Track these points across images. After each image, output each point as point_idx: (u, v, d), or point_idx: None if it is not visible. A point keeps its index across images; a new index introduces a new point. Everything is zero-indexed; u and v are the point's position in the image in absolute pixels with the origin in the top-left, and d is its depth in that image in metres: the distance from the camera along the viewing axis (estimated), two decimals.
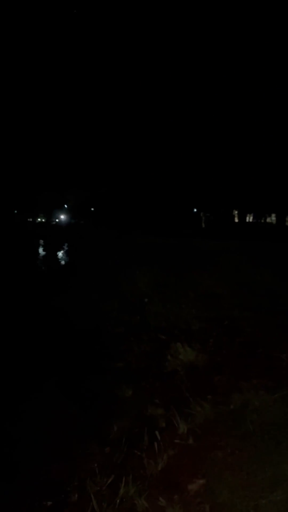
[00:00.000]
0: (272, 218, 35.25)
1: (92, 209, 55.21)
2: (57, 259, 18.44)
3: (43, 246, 25.92)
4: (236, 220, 34.19)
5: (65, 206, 64.70)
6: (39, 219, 68.67)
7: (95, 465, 2.82)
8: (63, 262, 17.49)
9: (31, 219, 65.40)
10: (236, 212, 34.25)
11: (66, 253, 21.01)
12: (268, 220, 36.61)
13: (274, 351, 4.02)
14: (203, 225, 36.73)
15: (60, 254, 20.57)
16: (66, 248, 23.28)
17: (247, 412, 2.95)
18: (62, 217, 68.26)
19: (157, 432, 2.96)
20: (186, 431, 2.99)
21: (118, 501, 2.37)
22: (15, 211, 62.00)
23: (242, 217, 30.58)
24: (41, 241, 28.46)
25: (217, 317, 5.90)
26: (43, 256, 20.72)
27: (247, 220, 34.85)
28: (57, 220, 68.20)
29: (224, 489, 2.24)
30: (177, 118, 20.77)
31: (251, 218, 37.11)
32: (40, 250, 23.33)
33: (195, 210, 37.56)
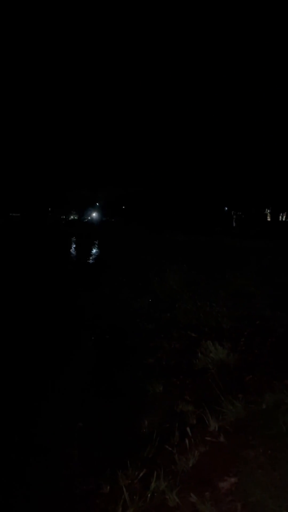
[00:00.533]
0: None
1: (124, 207, 55.53)
2: (89, 256, 18.68)
3: (76, 243, 26.32)
4: (269, 219, 33.51)
5: (97, 204, 65.38)
6: (71, 217, 69.72)
7: (127, 458, 2.85)
8: (94, 259, 17.70)
9: (64, 217, 66.50)
10: (268, 211, 33.58)
11: (98, 250, 21.26)
12: None
13: None
14: (234, 224, 36.25)
15: (93, 251, 20.84)
16: (97, 245, 23.55)
17: (280, 413, 2.91)
18: (94, 214, 69.01)
19: (188, 429, 2.97)
20: (217, 428, 2.98)
21: (149, 495, 2.40)
22: (49, 209, 63.23)
23: (275, 216, 29.95)
24: (74, 238, 28.91)
25: (248, 316, 5.83)
26: (76, 253, 21.04)
27: (280, 219, 34.11)
28: (89, 217, 69.01)
29: (256, 488, 2.22)
30: (210, 116, 20.61)
31: (284, 217, 36.30)
32: (73, 247, 23.70)
33: (226, 208, 37.11)
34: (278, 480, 2.24)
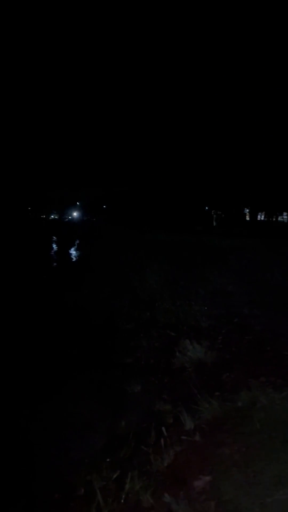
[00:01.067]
0: (284, 217, 34.91)
1: (105, 206, 55.33)
2: (69, 256, 18.54)
3: (56, 243, 26.07)
4: (248, 218, 33.93)
5: (78, 203, 64.97)
6: (52, 216, 69.08)
7: (102, 460, 2.83)
8: (75, 259, 17.57)
9: (44, 216, 65.83)
10: (247, 210, 34.00)
11: (79, 250, 21.11)
12: (279, 218, 36.26)
13: (282, 349, 3.97)
14: (215, 223, 36.52)
15: (73, 251, 20.68)
16: (78, 245, 23.38)
17: (255, 410, 2.93)
18: (75, 214, 68.58)
19: (163, 428, 2.95)
20: (193, 427, 2.98)
21: (123, 496, 2.38)
22: (29, 208, 62.48)
23: (253, 215, 30.33)
24: (54, 238, 28.62)
25: (226, 314, 5.87)
26: (56, 253, 20.84)
27: (259, 219, 34.55)
28: (69, 217, 68.54)
29: (230, 486, 2.22)
30: (191, 117, 20.70)
31: (263, 216, 36.79)
32: (53, 247, 23.47)
33: (206, 208, 37.38)
34: (252, 478, 2.24)
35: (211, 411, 3.12)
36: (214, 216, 38.83)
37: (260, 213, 35.09)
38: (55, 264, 16.43)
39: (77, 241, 24.89)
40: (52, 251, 21.25)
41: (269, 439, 2.51)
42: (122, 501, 2.34)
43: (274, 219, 35.88)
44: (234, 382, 3.70)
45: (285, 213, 33.82)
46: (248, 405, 3.08)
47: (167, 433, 2.98)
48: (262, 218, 36.55)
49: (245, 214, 35.62)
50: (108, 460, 2.87)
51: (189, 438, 2.86)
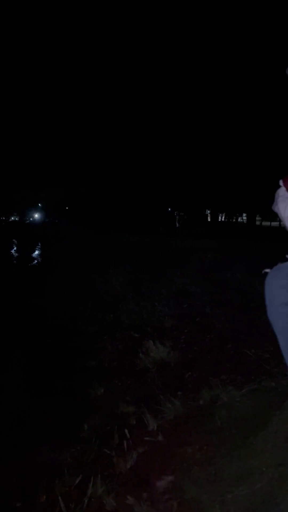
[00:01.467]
0: (243, 218, 35.87)
1: (67, 208, 54.64)
2: (31, 258, 18.17)
3: (17, 245, 25.49)
4: (209, 219, 34.60)
5: (39, 205, 63.83)
6: (12, 218, 67.48)
7: (64, 465, 2.79)
8: (37, 261, 17.25)
9: (3, 218, 64.18)
10: (208, 211, 34.67)
11: (41, 252, 20.74)
12: (239, 219, 37.25)
13: (242, 347, 4.07)
14: (177, 224, 36.96)
15: (35, 252, 20.29)
16: (40, 247, 22.97)
17: (216, 408, 2.98)
18: (36, 216, 67.31)
19: (126, 430, 2.95)
20: (155, 428, 2.99)
21: (86, 501, 2.35)
22: None
23: (214, 216, 30.98)
24: (15, 240, 27.98)
25: (189, 314, 5.95)
26: (17, 255, 20.38)
27: (220, 220, 35.31)
28: (31, 219, 67.20)
29: (192, 485, 2.25)
30: (154, 118, 20.82)
31: (223, 217, 37.65)
32: (13, 249, 22.93)
33: (169, 209, 37.76)
34: (213, 475, 2.28)
35: (174, 410, 3.15)
36: (177, 217, 39.29)
37: (220, 214, 35.87)
38: (14, 267, 16.05)
39: (39, 243, 24.44)
40: (12, 254, 20.76)
41: (229, 436, 2.56)
42: (85, 506, 2.32)
43: (234, 220, 36.79)
44: (196, 381, 3.76)
45: (244, 214, 34.76)
46: (210, 403, 3.13)
47: (130, 435, 2.98)
48: (223, 219, 37.39)
49: (206, 215, 36.29)
50: (70, 465, 2.83)
51: (152, 439, 2.87)
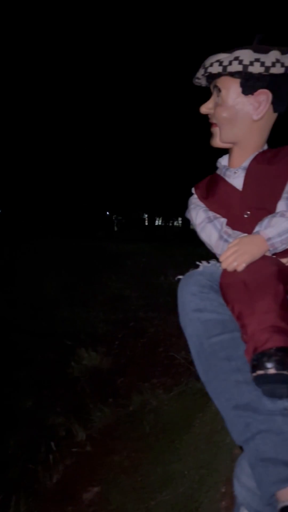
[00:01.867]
0: (179, 222, 36.82)
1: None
2: None
3: None
4: (146, 223, 35.08)
5: None
6: None
7: None
8: None
9: None
10: (146, 215, 35.14)
11: None
12: (175, 223, 38.15)
13: (172, 350, 4.14)
14: (116, 228, 36.99)
15: None
16: None
17: (145, 413, 2.99)
18: None
19: (52, 443, 2.87)
20: (84, 438, 2.95)
21: None
22: None
23: (151, 220, 31.42)
24: None
25: (123, 319, 5.95)
26: None
27: (157, 224, 35.90)
28: None
29: (118, 494, 2.23)
30: (90, 119, 20.64)
31: (160, 221, 38.34)
32: None
33: (107, 213, 37.73)
34: (139, 482, 2.28)
35: (103, 419, 3.12)
36: (115, 221, 39.33)
37: (157, 218, 36.48)
38: None
39: None
40: None
41: (156, 441, 2.58)
42: None
43: (170, 224, 37.56)
44: (127, 386, 3.75)
45: (179, 218, 35.66)
46: (139, 409, 3.14)
47: (58, 447, 2.91)
48: (160, 223, 38.03)
49: (144, 219, 36.72)
50: None
51: (80, 450, 2.82)
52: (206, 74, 1.20)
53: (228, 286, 1.02)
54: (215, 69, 1.17)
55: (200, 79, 1.27)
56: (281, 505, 0.83)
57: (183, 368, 3.68)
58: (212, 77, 1.21)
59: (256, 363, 0.88)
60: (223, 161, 1.32)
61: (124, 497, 2.18)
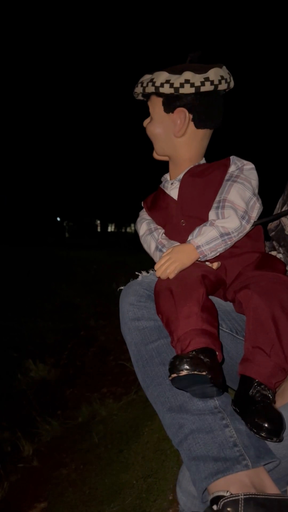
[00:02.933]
0: (132, 228, 37.00)
1: None
2: None
3: None
4: (99, 229, 34.93)
5: None
6: None
7: None
8: None
9: None
10: (98, 221, 34.99)
11: None
12: (128, 230, 38.31)
13: (123, 358, 4.13)
14: (67, 234, 36.47)
15: None
16: None
17: (94, 424, 2.96)
18: None
19: None
20: (31, 452, 2.87)
21: None
22: None
23: (104, 226, 31.35)
24: None
25: (73, 328, 5.86)
26: None
27: (109, 230, 35.87)
28: None
29: (65, 509, 2.18)
30: (44, 125, 20.30)
31: (113, 227, 38.33)
32: None
33: (58, 218, 37.13)
34: (87, 495, 2.24)
35: (51, 431, 3.06)
36: (67, 227, 38.77)
37: (110, 224, 36.46)
38: None
39: None
40: None
41: (105, 452, 2.55)
42: None
43: (123, 230, 37.64)
44: (76, 397, 3.70)
45: (132, 224, 35.85)
46: (88, 420, 3.10)
47: (3, 463, 2.81)
48: (113, 229, 38.00)
49: (96, 225, 36.51)
50: None
51: (26, 465, 2.73)
52: (142, 92, 1.30)
53: (158, 294, 1.06)
54: (138, 89, 1.29)
55: (138, 95, 1.35)
56: (210, 497, 0.86)
57: (133, 376, 3.66)
58: (145, 95, 1.31)
59: (170, 367, 0.91)
60: (167, 174, 1.38)
61: (71, 511, 2.14)
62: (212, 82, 1.20)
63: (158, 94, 1.25)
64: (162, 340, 1.07)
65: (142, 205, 1.42)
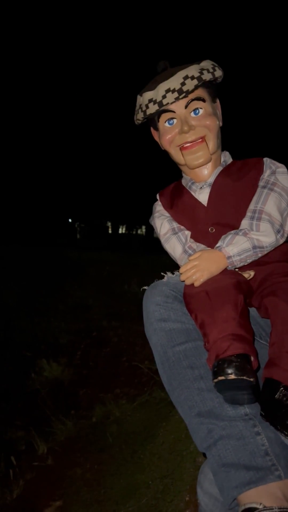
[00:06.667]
0: (143, 230, 37.05)
1: None
2: None
3: None
4: (110, 231, 35.05)
5: None
6: None
7: None
8: None
9: None
10: (109, 223, 35.12)
11: None
12: (139, 231, 38.36)
13: (136, 359, 4.14)
14: (78, 236, 36.68)
15: None
16: None
17: (108, 424, 2.97)
18: None
19: (12, 458, 2.79)
20: (46, 451, 2.88)
21: None
22: None
23: (115, 228, 31.44)
24: None
25: (86, 328, 5.89)
26: None
27: (120, 232, 35.98)
28: None
29: (80, 508, 2.19)
30: (52, 125, 20.43)
31: (124, 229, 38.42)
32: None
33: (70, 220, 37.33)
34: (102, 495, 2.25)
35: (65, 431, 3.07)
36: (78, 228, 38.98)
37: (121, 226, 36.57)
38: None
39: None
40: None
41: (119, 452, 2.56)
42: None
43: (134, 232, 37.73)
44: (90, 397, 3.71)
45: (143, 227, 35.89)
46: (102, 420, 3.11)
47: (18, 462, 2.82)
48: (124, 231, 38.13)
49: (107, 227, 36.66)
50: None
51: (41, 463, 2.75)
52: (199, 84, 1.20)
53: (191, 296, 1.05)
54: (206, 76, 1.20)
55: (152, 113, 1.26)
56: (242, 508, 0.85)
57: (146, 378, 3.69)
58: (179, 97, 1.20)
59: (217, 370, 0.90)
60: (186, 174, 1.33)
61: (87, 510, 2.15)
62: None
63: (202, 85, 1.22)
64: (190, 344, 1.06)
65: (158, 197, 1.36)
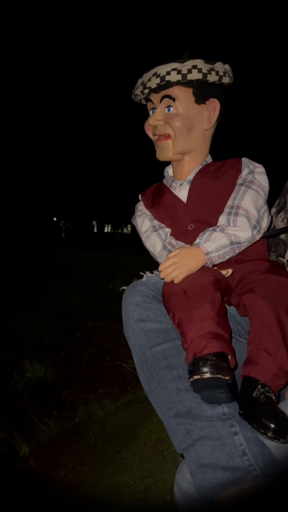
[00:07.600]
0: (128, 229, 37.04)
1: None
2: None
3: None
4: (95, 230, 34.95)
5: None
6: None
7: None
8: None
9: None
10: (95, 222, 35.01)
11: None
12: (125, 230, 38.35)
13: (120, 359, 4.13)
14: (63, 235, 36.47)
15: None
16: None
17: (91, 424, 2.96)
18: None
19: None
20: (27, 453, 2.86)
21: None
22: None
23: (100, 227, 31.36)
24: None
25: (70, 328, 5.85)
26: None
27: (106, 231, 35.90)
28: None
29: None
30: (39, 125, 20.26)
31: (109, 228, 38.36)
32: None
33: (55, 219, 37.08)
34: (84, 496, 2.24)
35: (48, 432, 3.05)
36: (63, 227, 38.74)
37: (107, 225, 36.48)
38: None
39: None
40: None
41: (102, 453, 2.55)
42: None
43: (120, 231, 37.70)
44: (73, 398, 3.69)
45: (129, 225, 35.91)
46: (85, 420, 3.10)
47: None
48: (109, 230, 38.06)
49: (93, 226, 36.54)
50: None
51: (23, 465, 2.73)
52: (162, 83, 1.19)
53: (169, 295, 1.04)
54: (174, 77, 1.17)
55: (139, 94, 1.28)
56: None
57: (130, 377, 3.68)
58: (157, 89, 1.21)
59: (192, 369, 0.90)
60: (170, 171, 1.33)
61: None
62: (225, 74, 1.22)
63: (185, 83, 1.19)
64: (169, 343, 1.05)
65: (140, 198, 1.36)
